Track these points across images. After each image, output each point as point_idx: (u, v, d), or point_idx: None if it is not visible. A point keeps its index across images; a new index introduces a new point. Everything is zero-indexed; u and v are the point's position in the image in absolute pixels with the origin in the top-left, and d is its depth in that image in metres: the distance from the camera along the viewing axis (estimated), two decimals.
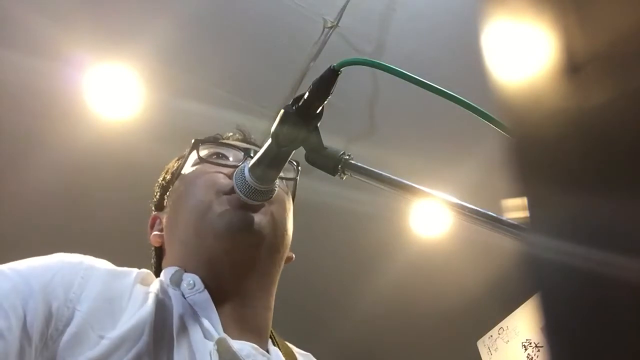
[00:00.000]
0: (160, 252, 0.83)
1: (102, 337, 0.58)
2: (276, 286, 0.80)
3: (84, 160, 2.02)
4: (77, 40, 1.78)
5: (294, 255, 0.85)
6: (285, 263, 0.82)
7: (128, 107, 1.95)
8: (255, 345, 0.69)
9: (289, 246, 0.82)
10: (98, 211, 2.09)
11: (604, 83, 0.22)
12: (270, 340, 0.76)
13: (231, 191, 0.74)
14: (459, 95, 0.61)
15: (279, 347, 0.76)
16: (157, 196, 0.88)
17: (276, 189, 0.74)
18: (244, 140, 0.89)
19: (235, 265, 0.73)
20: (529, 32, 0.26)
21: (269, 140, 0.70)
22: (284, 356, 0.74)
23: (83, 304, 0.60)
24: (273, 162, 0.70)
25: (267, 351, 0.72)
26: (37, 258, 0.65)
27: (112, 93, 1.90)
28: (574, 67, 0.23)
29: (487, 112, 0.58)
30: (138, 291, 0.66)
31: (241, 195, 0.72)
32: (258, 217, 0.73)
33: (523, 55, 0.27)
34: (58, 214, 2.12)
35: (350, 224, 2.28)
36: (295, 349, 0.79)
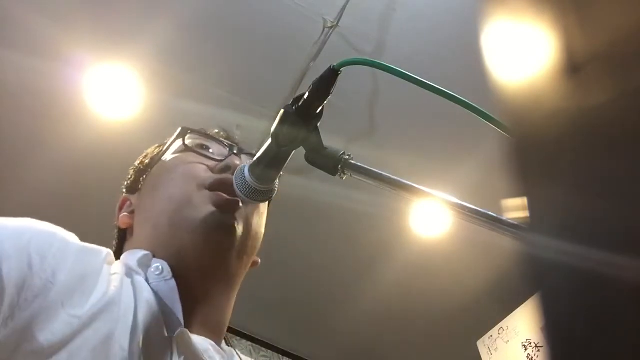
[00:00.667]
0: (124, 234, 0.82)
1: (71, 316, 0.56)
2: (239, 288, 0.80)
3: (84, 160, 2.02)
4: (77, 40, 1.78)
5: (259, 260, 0.84)
6: (250, 267, 0.81)
7: (128, 107, 1.95)
8: (213, 342, 0.69)
9: (257, 249, 0.81)
10: (98, 211, 2.09)
11: (604, 83, 0.22)
12: (225, 342, 0.75)
13: (210, 186, 0.74)
14: (459, 95, 0.61)
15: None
16: (132, 178, 0.87)
17: (276, 189, 0.74)
18: (227, 139, 0.89)
19: (204, 261, 0.73)
20: (529, 32, 0.26)
21: (269, 140, 0.70)
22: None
23: (57, 278, 0.58)
24: (273, 162, 0.70)
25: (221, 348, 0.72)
26: (7, 220, 0.62)
27: (112, 93, 1.89)
28: (574, 67, 0.23)
29: (487, 112, 0.58)
30: (106, 272, 0.65)
31: (241, 195, 0.72)
32: (233, 220, 0.73)
33: (523, 55, 0.27)
34: (58, 214, 2.11)
35: (350, 224, 2.28)
36: (241, 355, 0.79)
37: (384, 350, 2.75)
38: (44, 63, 1.80)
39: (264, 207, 0.82)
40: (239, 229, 0.74)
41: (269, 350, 2.63)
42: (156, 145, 0.91)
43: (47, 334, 0.53)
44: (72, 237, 0.66)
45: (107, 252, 0.69)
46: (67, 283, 0.58)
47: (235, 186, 0.72)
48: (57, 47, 1.77)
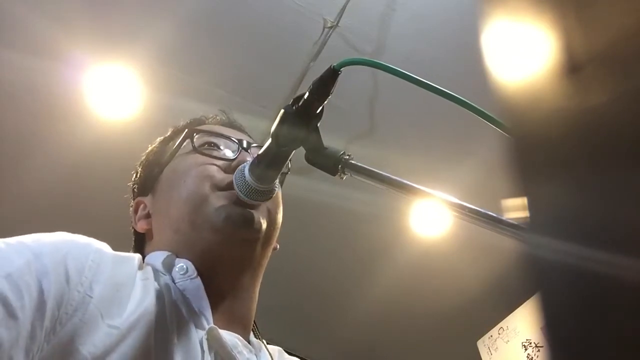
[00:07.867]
0: (142, 237, 0.82)
1: (110, 326, 0.57)
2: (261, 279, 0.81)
3: (84, 160, 2.02)
4: (77, 40, 1.78)
5: (278, 245, 0.85)
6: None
7: (128, 107, 1.95)
8: (241, 337, 0.69)
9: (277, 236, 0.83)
10: (98, 211, 2.09)
11: (604, 83, 0.22)
12: (252, 333, 0.76)
13: (227, 187, 0.74)
14: (459, 95, 0.61)
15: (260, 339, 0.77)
16: (141, 179, 0.86)
17: (276, 189, 0.74)
18: (229, 124, 0.89)
19: (231, 259, 0.74)
20: (529, 32, 0.26)
21: (269, 140, 0.70)
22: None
23: (94, 290, 0.58)
24: (273, 162, 0.70)
25: (249, 342, 0.73)
26: (42, 235, 0.62)
27: (112, 93, 1.89)
28: (574, 67, 0.23)
29: (487, 112, 0.58)
30: (139, 278, 0.65)
31: (241, 195, 0.72)
32: (256, 214, 0.73)
33: (523, 55, 0.27)
34: (58, 214, 2.12)
35: (351, 224, 2.28)
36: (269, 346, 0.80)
37: (384, 350, 2.75)
38: (44, 63, 1.80)
39: (279, 196, 0.82)
40: (264, 222, 0.74)
41: None
42: (159, 139, 0.90)
43: (89, 347, 0.54)
44: (105, 247, 0.67)
45: (138, 258, 0.70)
46: (104, 294, 0.59)
47: (235, 186, 0.72)
48: (57, 47, 1.77)
